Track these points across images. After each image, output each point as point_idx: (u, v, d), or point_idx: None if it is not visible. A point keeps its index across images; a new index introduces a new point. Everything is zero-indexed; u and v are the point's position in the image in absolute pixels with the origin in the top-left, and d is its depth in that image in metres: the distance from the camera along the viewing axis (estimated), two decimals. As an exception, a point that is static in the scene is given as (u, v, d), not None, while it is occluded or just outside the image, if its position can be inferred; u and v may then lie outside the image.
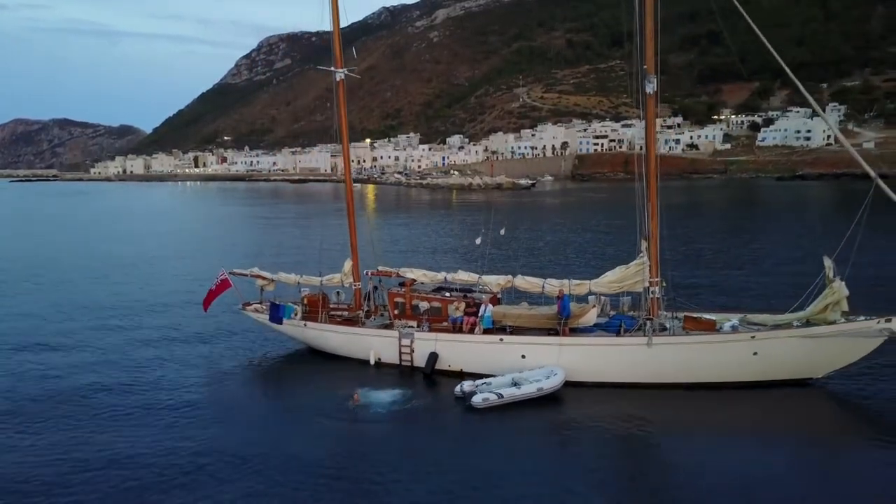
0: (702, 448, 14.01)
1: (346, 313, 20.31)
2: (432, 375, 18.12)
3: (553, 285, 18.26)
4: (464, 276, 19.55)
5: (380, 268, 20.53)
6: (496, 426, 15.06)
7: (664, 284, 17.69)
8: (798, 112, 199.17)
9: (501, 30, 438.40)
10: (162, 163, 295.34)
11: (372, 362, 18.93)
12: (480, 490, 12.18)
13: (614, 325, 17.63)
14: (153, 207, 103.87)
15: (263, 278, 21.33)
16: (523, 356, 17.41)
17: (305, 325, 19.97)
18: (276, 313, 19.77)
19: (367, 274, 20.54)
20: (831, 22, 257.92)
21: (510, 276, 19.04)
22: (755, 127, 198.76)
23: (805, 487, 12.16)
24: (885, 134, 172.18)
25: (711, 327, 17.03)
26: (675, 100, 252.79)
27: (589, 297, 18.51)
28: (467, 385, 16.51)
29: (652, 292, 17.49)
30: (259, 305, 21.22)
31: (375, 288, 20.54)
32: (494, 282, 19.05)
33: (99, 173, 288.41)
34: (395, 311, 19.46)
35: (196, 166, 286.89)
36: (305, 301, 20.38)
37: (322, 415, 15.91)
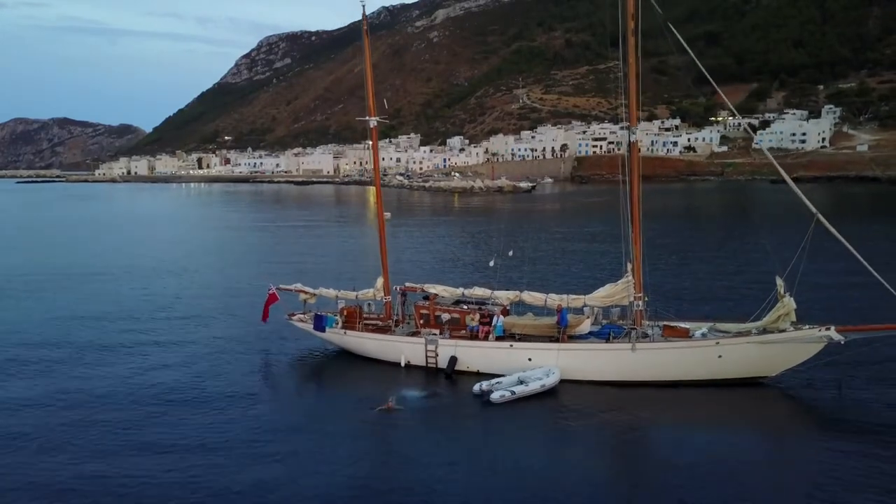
0: (673, 433, 17.56)
1: (378, 323, 23.90)
2: (452, 375, 21.62)
3: (554, 300, 21.85)
4: (479, 292, 23.18)
5: (406, 284, 24.19)
6: (512, 418, 18.47)
7: (646, 298, 21.26)
8: (794, 114, 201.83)
9: (501, 30, 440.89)
10: (166, 164, 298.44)
11: (402, 364, 22.43)
12: (507, 469, 15.48)
13: (605, 332, 21.21)
14: (166, 214, 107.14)
15: (306, 293, 24.90)
16: (529, 359, 20.94)
17: (345, 332, 23.55)
18: (320, 323, 23.37)
19: (396, 289, 24.15)
20: (828, 24, 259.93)
21: (518, 292, 22.67)
22: (752, 129, 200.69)
23: (757, 466, 15.55)
24: (880, 136, 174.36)
25: (685, 335, 20.58)
26: (674, 101, 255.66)
27: (584, 309, 22.03)
28: (485, 385, 19.99)
29: (636, 305, 21.09)
30: (303, 316, 24.79)
31: (404, 300, 23.98)
32: (505, 296, 22.68)
33: (104, 174, 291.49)
34: (421, 321, 23.02)
35: (200, 167, 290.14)
36: (345, 312, 23.99)
37: (362, 408, 19.37)
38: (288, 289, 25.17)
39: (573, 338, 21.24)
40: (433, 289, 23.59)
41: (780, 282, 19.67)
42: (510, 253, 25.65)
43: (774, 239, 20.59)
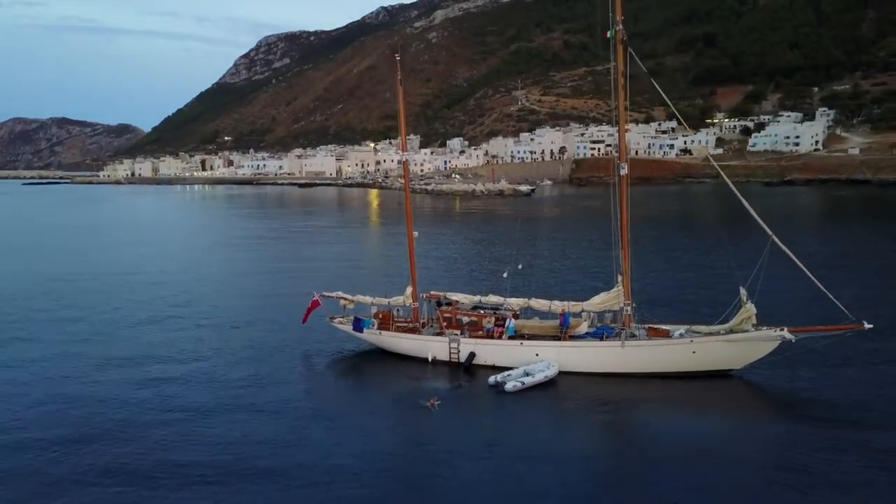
0: (656, 414, 21.76)
1: (408, 324, 28.10)
2: (471, 368, 25.78)
3: (557, 306, 26.10)
4: (493, 299, 27.49)
5: (432, 292, 28.47)
6: (524, 404, 22.54)
7: (634, 305, 25.48)
8: (789, 117, 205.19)
9: (499, 30, 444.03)
10: (169, 165, 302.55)
11: (429, 360, 26.61)
12: (521, 446, 19.49)
13: (599, 333, 25.45)
14: (180, 220, 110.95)
15: (346, 299, 29.12)
16: (537, 354, 25.12)
17: (380, 333, 27.78)
18: (359, 325, 27.68)
19: (423, 297, 28.35)
20: (823, 26, 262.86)
21: (527, 299, 26.92)
22: (747, 131, 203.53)
23: (723, 441, 19.63)
24: (871, 139, 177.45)
25: (666, 335, 24.79)
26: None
27: (582, 314, 26.21)
28: (499, 377, 24.09)
29: (626, 311, 25.30)
30: (342, 319, 29.00)
31: (439, 305, 28.03)
32: (516, 303, 26.94)
33: (108, 176, 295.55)
34: (444, 324, 27.21)
35: (203, 169, 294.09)
36: (379, 316, 28.24)
37: (397, 395, 23.50)
38: (330, 296, 29.34)
39: (573, 337, 25.47)
40: (454, 296, 27.92)
41: (743, 291, 23.91)
42: (519, 266, 29.96)
43: (750, 245, 24.49)
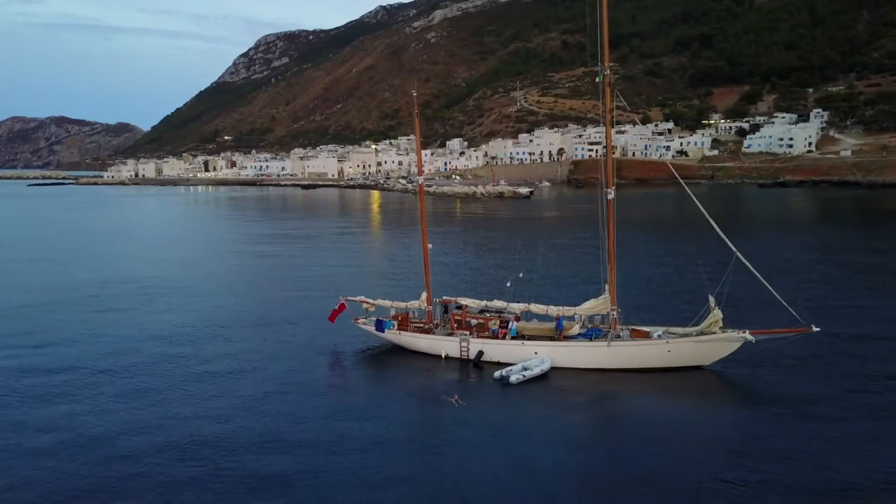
0: (636, 403, 25.74)
1: (424, 326, 32.15)
2: (479, 364, 29.79)
3: (553, 310, 30.16)
4: (498, 304, 31.54)
5: (444, 297, 32.54)
6: (526, 394, 26.46)
7: (619, 310, 29.55)
8: (783, 118, 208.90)
9: (498, 31, 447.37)
10: (172, 166, 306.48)
11: (442, 357, 30.62)
12: (528, 427, 23.47)
13: (589, 334, 29.50)
14: (191, 224, 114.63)
15: (368, 303, 33.17)
16: (535, 353, 29.14)
17: (400, 333, 31.83)
18: (381, 326, 31.73)
19: (436, 301, 32.41)
20: (818, 27, 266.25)
21: (527, 304, 30.98)
22: (743, 133, 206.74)
23: (693, 424, 23.63)
24: (863, 141, 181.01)
25: (646, 336, 28.85)
26: (667, 103, 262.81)
27: (574, 317, 30.24)
28: (503, 372, 28.08)
29: (612, 315, 29.35)
30: (365, 320, 33.04)
31: (445, 310, 32.11)
32: (517, 307, 31.02)
33: (112, 177, 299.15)
34: (455, 325, 31.25)
35: (206, 170, 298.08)
36: (398, 318, 32.31)
37: (415, 388, 27.49)
38: (354, 300, 33.40)
39: (567, 337, 29.51)
40: (464, 301, 32.04)
41: (711, 298, 28.00)
42: (520, 275, 34.13)
43: (726, 252, 28.20)
